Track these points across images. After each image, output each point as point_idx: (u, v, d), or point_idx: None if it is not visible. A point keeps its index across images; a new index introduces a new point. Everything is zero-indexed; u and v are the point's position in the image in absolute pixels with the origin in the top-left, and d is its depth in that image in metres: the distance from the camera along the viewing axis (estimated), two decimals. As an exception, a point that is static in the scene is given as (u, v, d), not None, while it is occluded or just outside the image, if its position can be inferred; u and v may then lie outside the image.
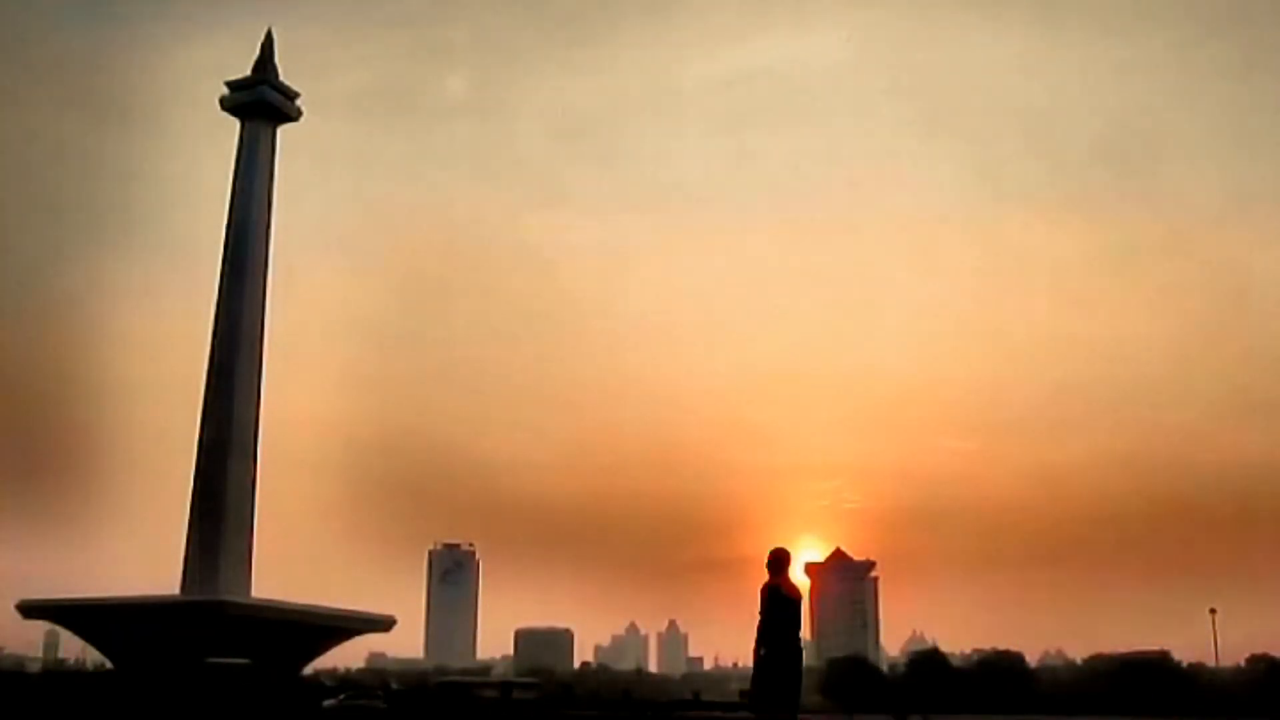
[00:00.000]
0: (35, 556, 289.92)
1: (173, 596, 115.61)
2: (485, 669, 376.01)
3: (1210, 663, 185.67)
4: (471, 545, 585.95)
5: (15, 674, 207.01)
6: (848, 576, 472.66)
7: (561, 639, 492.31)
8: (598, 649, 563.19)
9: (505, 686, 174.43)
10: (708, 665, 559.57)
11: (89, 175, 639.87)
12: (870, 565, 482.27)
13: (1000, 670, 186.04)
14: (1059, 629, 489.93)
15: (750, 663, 19.91)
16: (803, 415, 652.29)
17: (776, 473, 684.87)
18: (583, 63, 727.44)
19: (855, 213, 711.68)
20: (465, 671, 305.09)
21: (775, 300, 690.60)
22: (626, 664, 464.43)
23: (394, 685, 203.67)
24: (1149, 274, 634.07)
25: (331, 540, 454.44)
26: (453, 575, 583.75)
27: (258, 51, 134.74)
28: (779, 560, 19.35)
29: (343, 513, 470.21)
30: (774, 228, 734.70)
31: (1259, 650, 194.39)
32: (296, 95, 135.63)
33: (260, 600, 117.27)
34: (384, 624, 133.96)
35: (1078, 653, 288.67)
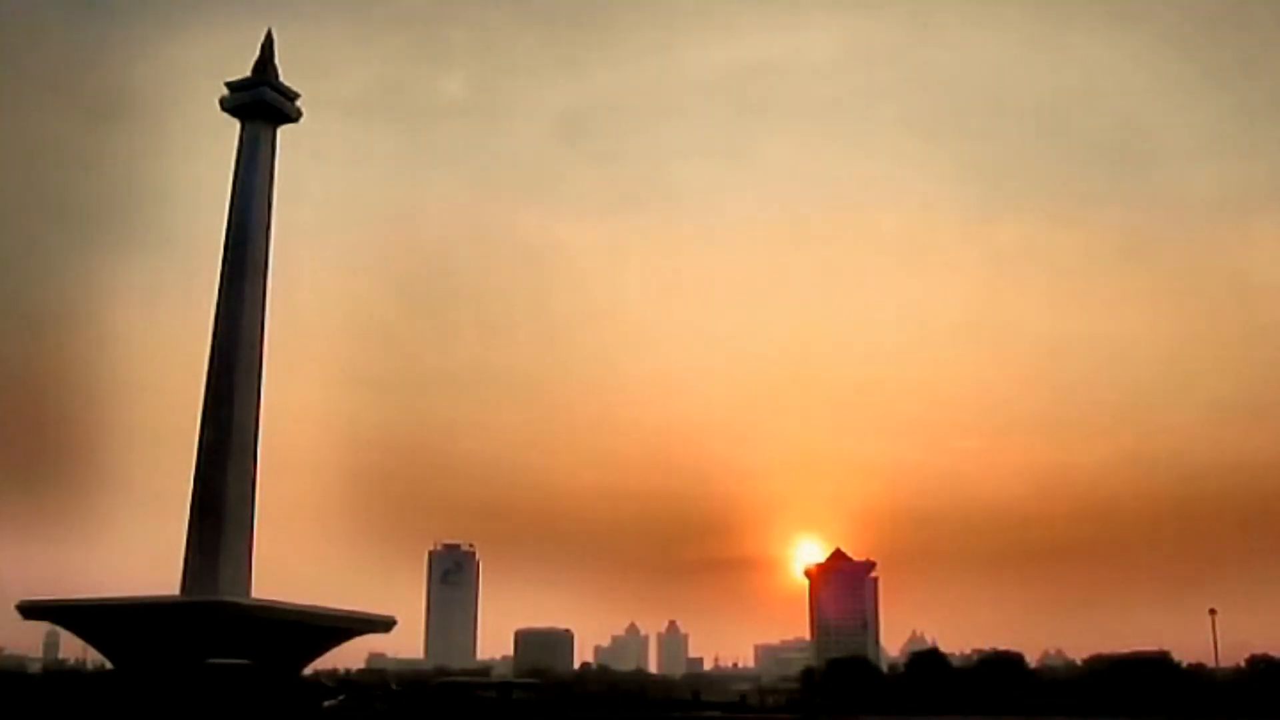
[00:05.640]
0: (35, 556, 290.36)
1: (173, 597, 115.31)
2: (485, 669, 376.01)
3: (1210, 663, 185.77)
4: (471, 545, 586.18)
5: (15, 674, 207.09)
6: (848, 576, 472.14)
7: (561, 639, 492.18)
8: (598, 649, 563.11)
9: (505, 687, 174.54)
10: (708, 665, 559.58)
11: (89, 175, 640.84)
12: (870, 565, 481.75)
13: (1000, 670, 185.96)
14: (1059, 629, 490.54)
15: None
16: (803, 416, 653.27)
17: (776, 473, 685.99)
18: (582, 63, 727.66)
19: (855, 212, 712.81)
20: (465, 672, 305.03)
21: (775, 300, 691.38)
22: (627, 664, 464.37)
23: (394, 686, 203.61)
24: (1149, 274, 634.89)
25: (331, 541, 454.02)
26: (453, 576, 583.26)
27: (258, 52, 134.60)
28: None
29: (343, 513, 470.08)
30: (773, 227, 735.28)
31: (1259, 651, 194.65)
32: (296, 96, 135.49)
33: (260, 601, 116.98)
34: (384, 625, 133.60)
35: (1078, 653, 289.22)
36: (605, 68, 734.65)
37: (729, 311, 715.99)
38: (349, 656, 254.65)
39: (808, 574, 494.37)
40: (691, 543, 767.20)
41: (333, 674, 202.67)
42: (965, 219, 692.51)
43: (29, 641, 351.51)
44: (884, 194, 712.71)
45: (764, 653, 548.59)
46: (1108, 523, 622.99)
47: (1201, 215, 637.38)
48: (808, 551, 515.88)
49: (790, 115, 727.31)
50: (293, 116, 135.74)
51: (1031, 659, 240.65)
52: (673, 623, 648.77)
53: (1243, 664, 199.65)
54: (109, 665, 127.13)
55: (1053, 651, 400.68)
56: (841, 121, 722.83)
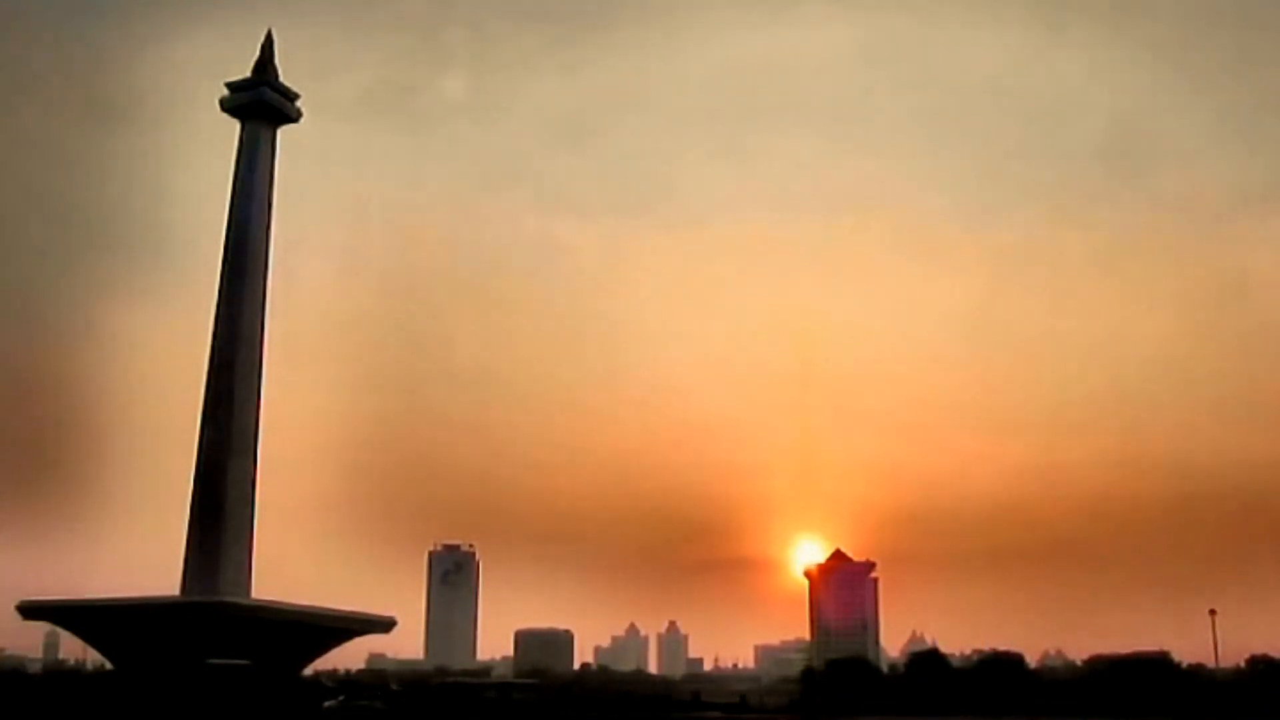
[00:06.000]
0: (35, 557, 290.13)
1: (173, 597, 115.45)
2: (485, 670, 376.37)
3: (1210, 663, 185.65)
4: (471, 546, 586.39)
5: (15, 674, 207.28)
6: (848, 577, 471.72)
7: (562, 640, 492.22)
8: (598, 650, 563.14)
9: (505, 688, 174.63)
10: (708, 666, 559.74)
11: (89, 176, 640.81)
12: (870, 565, 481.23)
13: (1000, 670, 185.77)
14: (1059, 629, 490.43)
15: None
16: (803, 416, 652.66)
17: (776, 473, 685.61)
18: (582, 63, 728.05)
19: (854, 212, 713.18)
20: (465, 672, 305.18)
21: (775, 300, 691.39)
22: (627, 665, 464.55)
23: (394, 686, 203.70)
24: (1149, 274, 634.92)
25: (332, 541, 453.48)
26: (453, 576, 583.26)
27: (258, 52, 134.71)
28: None
29: (343, 514, 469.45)
30: (773, 227, 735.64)
31: (1259, 651, 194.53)
32: (296, 96, 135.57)
33: (260, 601, 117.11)
34: (384, 625, 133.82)
35: (1078, 653, 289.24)
36: (605, 68, 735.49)
37: (729, 311, 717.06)
38: (349, 656, 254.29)
39: (808, 574, 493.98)
40: (691, 543, 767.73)
41: (333, 674, 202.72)
42: (965, 219, 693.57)
43: (29, 641, 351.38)
44: (884, 193, 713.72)
45: (764, 653, 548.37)
46: (1108, 523, 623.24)
47: (1201, 215, 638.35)
48: (808, 551, 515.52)
49: (790, 115, 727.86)
50: (293, 117, 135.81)
51: (1031, 659, 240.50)
52: (673, 623, 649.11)
53: (1243, 664, 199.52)
54: (109, 665, 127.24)
55: (1053, 651, 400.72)
56: (841, 121, 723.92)
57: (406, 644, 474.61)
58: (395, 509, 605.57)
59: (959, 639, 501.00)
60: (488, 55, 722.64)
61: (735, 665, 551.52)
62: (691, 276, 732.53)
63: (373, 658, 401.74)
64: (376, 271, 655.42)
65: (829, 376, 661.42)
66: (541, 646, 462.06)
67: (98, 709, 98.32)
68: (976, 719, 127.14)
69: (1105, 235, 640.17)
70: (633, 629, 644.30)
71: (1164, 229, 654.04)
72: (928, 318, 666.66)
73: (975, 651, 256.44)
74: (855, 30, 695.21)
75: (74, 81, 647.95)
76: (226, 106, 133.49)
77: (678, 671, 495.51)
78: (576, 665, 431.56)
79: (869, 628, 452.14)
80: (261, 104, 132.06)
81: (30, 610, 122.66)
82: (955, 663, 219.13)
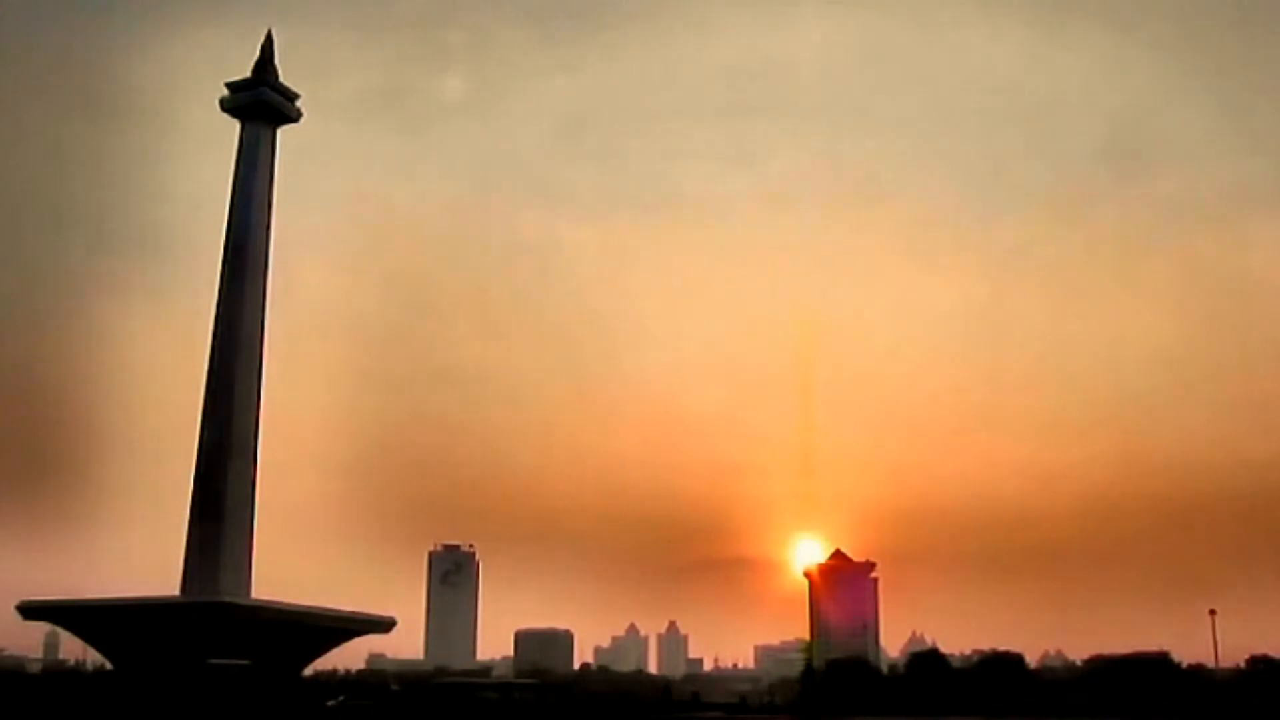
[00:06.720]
0: (35, 557, 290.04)
1: (173, 597, 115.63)
2: (485, 670, 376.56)
3: (1210, 663, 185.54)
4: (472, 546, 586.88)
5: (15, 674, 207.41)
6: (848, 577, 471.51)
7: (561, 640, 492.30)
8: (598, 650, 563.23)
9: (505, 688, 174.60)
10: (708, 666, 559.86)
11: (89, 176, 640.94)
12: (870, 566, 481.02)
13: (1000, 670, 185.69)
14: (1059, 629, 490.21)
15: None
16: (803, 416, 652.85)
17: (776, 473, 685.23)
18: (582, 63, 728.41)
19: (853, 212, 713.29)
20: (465, 672, 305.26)
21: (774, 299, 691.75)
22: (627, 665, 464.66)
23: (394, 686, 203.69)
24: (1149, 274, 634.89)
25: (332, 541, 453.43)
26: (453, 576, 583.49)
27: (257, 53, 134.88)
28: None
29: (343, 513, 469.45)
30: (773, 227, 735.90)
31: (1259, 651, 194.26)
32: (296, 96, 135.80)
33: (261, 601, 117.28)
34: (384, 625, 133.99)
35: (1078, 653, 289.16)
36: (605, 68, 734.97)
37: (728, 311, 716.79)
38: (349, 656, 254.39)
39: (808, 574, 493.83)
40: (691, 543, 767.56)
41: (332, 674, 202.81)
42: (965, 219, 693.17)
43: (29, 641, 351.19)
44: (883, 193, 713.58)
45: (764, 653, 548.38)
46: (1108, 522, 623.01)
47: (1201, 215, 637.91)
48: (808, 551, 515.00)
49: (789, 114, 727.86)
50: (292, 117, 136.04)
51: (1031, 659, 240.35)
52: (673, 623, 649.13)
53: (1243, 664, 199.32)
54: (109, 665, 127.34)
55: (1053, 651, 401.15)
56: (841, 121, 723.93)
57: (406, 644, 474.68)
58: (395, 509, 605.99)
59: (959, 639, 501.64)
60: (488, 55, 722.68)
61: (735, 665, 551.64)
62: (691, 276, 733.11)
63: (373, 658, 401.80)
64: (376, 271, 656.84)
65: (829, 376, 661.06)
66: (541, 646, 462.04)
67: (98, 709, 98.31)
68: (976, 719, 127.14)
69: (1105, 235, 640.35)
70: (633, 629, 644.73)
71: (1164, 229, 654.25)
72: (928, 317, 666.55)
73: (975, 651, 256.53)
74: (855, 30, 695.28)
75: (74, 81, 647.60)
76: (226, 106, 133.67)
77: (678, 671, 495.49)
78: (576, 665, 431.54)
79: (869, 628, 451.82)
80: (261, 104, 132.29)
81: (30, 610, 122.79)
82: (955, 663, 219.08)
